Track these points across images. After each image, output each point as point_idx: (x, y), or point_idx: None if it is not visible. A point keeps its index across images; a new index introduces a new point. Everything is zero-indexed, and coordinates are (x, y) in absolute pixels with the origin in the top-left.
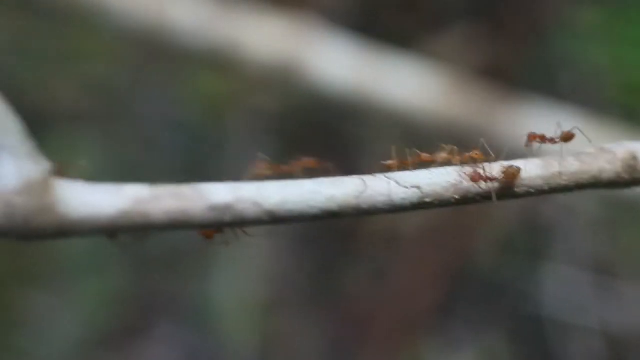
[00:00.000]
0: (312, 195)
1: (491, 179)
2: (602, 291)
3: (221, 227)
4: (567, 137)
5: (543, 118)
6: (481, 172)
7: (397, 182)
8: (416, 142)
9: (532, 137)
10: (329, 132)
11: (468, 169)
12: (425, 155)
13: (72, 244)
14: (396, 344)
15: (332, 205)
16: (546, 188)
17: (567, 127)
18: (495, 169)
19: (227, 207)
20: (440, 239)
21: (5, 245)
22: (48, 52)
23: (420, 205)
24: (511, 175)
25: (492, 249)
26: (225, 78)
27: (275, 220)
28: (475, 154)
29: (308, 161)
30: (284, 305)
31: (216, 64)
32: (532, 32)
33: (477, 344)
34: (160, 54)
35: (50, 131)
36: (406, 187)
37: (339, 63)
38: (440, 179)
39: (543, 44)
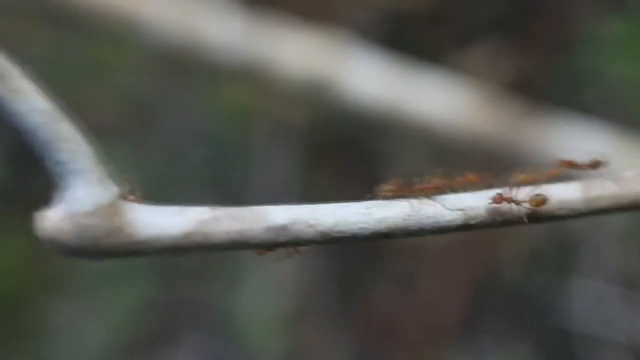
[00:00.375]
0: (363, 217)
1: (516, 203)
2: (630, 305)
3: (276, 247)
4: (596, 165)
5: (571, 132)
6: (509, 196)
7: (444, 206)
8: (444, 156)
9: (562, 164)
10: (356, 146)
11: (496, 193)
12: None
13: None
14: (422, 355)
15: (382, 227)
16: (585, 211)
17: (594, 144)
18: (525, 193)
19: (283, 229)
20: (467, 250)
21: (30, 253)
22: (78, 65)
23: (464, 228)
24: (538, 203)
25: (520, 262)
26: (253, 92)
27: (328, 241)
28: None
29: (429, 186)
30: (311, 315)
31: (246, 78)
32: (559, 46)
33: (503, 356)
34: (189, 67)
35: None
36: (452, 210)
37: (369, 77)
38: (483, 203)
39: (570, 57)
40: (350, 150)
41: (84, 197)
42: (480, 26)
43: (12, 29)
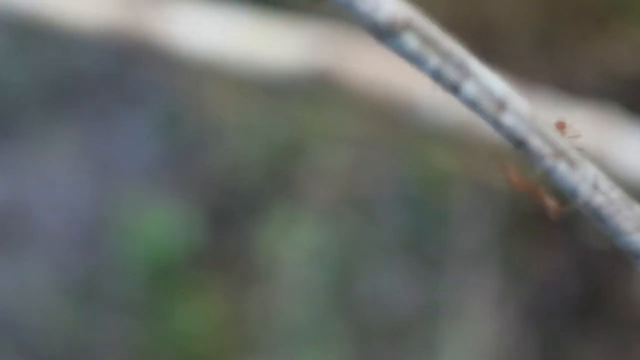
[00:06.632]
0: None
1: None
2: None
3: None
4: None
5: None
6: None
7: None
8: None
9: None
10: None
11: None
12: None
13: (293, 313)
14: None
15: None
16: None
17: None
18: None
19: None
20: None
21: (227, 313)
22: (275, 132)
23: None
24: None
25: None
26: (455, 154)
27: None
28: None
29: None
30: None
31: (453, 140)
32: None
33: None
34: (387, 130)
35: (271, 205)
36: None
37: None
38: None
39: None
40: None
41: None
42: None
43: (219, 96)
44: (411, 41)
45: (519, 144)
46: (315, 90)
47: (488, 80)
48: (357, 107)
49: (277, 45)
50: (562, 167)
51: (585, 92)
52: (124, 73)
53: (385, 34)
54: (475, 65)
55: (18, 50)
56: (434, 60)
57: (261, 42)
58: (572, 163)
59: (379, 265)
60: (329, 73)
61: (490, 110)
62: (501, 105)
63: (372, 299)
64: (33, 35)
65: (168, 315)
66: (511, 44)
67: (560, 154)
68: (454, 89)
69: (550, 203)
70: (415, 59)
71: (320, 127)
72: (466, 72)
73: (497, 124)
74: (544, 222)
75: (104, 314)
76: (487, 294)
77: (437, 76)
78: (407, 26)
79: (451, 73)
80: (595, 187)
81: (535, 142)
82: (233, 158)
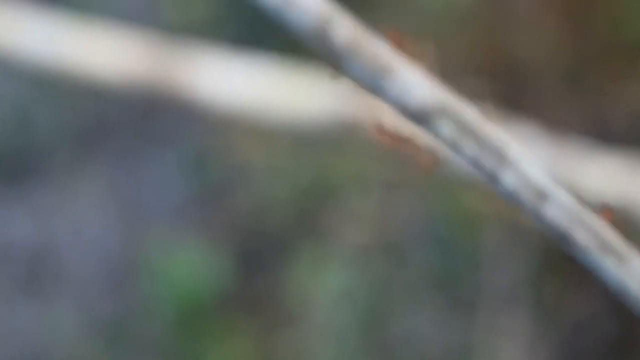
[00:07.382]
0: None
1: None
2: None
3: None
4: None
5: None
6: None
7: None
8: None
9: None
10: None
11: None
12: None
13: (323, 355)
14: None
15: None
16: None
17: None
18: None
19: None
20: None
21: (256, 355)
22: (303, 173)
23: None
24: None
25: None
26: (485, 195)
27: None
28: None
29: None
30: None
31: (482, 182)
32: None
33: None
34: (419, 174)
35: (300, 247)
36: None
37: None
38: None
39: None
40: None
41: None
42: None
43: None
44: (445, 127)
45: (563, 238)
46: (342, 138)
47: (528, 168)
48: (385, 152)
49: (303, 95)
50: (609, 262)
51: (616, 133)
52: (151, 115)
53: (418, 119)
54: (514, 151)
55: (46, 94)
56: (470, 148)
57: (287, 93)
58: (620, 258)
59: (410, 307)
60: (356, 121)
61: (531, 202)
62: (542, 196)
63: (403, 340)
64: (61, 82)
65: (197, 357)
66: (540, 86)
67: (607, 248)
68: (492, 178)
69: (424, 158)
70: (451, 145)
71: (349, 169)
72: (504, 160)
73: (539, 217)
74: (574, 261)
75: (132, 356)
76: (519, 335)
77: (475, 164)
78: (441, 112)
79: (489, 161)
80: None
81: (580, 236)
82: (261, 200)
